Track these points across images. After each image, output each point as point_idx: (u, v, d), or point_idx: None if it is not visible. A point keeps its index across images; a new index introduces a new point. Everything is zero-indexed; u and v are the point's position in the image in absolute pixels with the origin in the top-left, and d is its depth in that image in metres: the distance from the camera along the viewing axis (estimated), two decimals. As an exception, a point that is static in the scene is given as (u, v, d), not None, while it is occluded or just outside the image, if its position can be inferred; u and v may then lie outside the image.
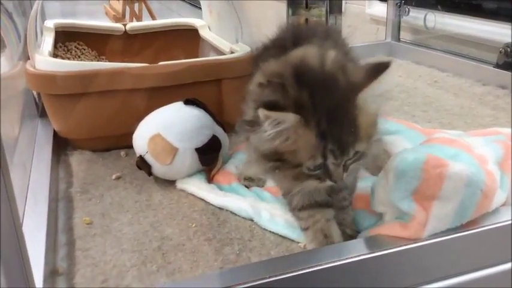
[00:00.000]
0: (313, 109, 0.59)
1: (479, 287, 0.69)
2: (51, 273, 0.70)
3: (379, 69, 0.60)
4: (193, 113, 0.98)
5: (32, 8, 1.19)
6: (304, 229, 0.75)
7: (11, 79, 1.12)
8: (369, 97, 0.61)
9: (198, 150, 0.94)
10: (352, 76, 0.61)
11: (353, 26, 2.14)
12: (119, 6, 2.91)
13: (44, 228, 0.76)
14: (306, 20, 1.16)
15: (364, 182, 0.83)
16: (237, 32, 1.27)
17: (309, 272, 0.63)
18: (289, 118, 0.58)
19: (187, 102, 1.00)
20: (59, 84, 1.05)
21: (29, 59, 1.12)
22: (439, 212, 0.67)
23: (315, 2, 1.21)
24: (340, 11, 1.24)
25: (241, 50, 1.18)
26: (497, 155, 0.76)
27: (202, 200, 0.90)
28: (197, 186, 0.92)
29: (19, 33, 1.28)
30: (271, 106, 0.58)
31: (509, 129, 0.90)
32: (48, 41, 1.27)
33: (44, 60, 1.08)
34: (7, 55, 1.10)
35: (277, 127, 0.58)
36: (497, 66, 1.45)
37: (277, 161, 0.63)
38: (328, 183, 0.63)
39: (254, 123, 0.62)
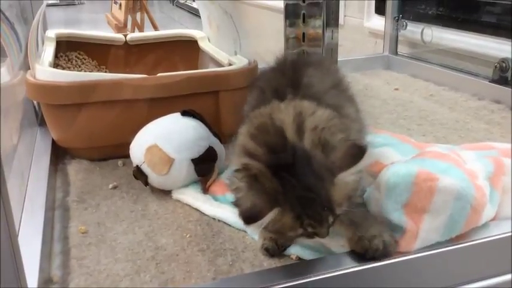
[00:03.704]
0: (288, 196, 0.62)
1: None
2: (45, 282, 0.71)
3: (357, 154, 0.63)
4: (190, 124, 1.00)
5: (34, 17, 1.21)
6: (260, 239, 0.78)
7: (12, 88, 1.13)
8: (347, 177, 0.64)
9: (194, 161, 0.95)
10: (330, 156, 0.64)
11: (351, 39, 2.16)
12: (121, 15, 2.93)
13: (40, 236, 0.77)
14: (303, 34, 1.17)
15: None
16: (235, 44, 1.29)
17: (301, 283, 0.64)
18: (270, 215, 0.62)
19: (185, 113, 1.01)
20: (58, 95, 1.06)
21: (29, 68, 1.13)
22: (429, 226, 0.68)
23: (313, 15, 1.22)
24: (337, 25, 1.25)
25: (239, 62, 1.20)
26: (488, 170, 0.77)
27: (197, 210, 0.90)
28: (193, 197, 0.93)
29: (20, 42, 1.30)
30: (252, 218, 0.62)
31: (503, 144, 0.91)
32: (49, 51, 1.29)
33: (44, 70, 1.09)
34: (8, 64, 1.11)
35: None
36: (493, 81, 1.47)
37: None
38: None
39: None
